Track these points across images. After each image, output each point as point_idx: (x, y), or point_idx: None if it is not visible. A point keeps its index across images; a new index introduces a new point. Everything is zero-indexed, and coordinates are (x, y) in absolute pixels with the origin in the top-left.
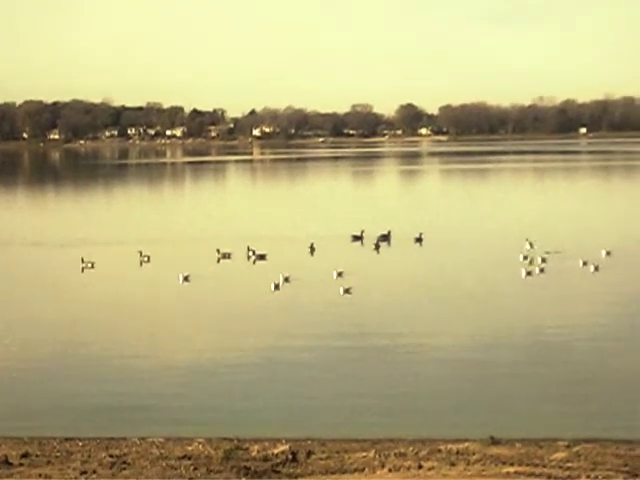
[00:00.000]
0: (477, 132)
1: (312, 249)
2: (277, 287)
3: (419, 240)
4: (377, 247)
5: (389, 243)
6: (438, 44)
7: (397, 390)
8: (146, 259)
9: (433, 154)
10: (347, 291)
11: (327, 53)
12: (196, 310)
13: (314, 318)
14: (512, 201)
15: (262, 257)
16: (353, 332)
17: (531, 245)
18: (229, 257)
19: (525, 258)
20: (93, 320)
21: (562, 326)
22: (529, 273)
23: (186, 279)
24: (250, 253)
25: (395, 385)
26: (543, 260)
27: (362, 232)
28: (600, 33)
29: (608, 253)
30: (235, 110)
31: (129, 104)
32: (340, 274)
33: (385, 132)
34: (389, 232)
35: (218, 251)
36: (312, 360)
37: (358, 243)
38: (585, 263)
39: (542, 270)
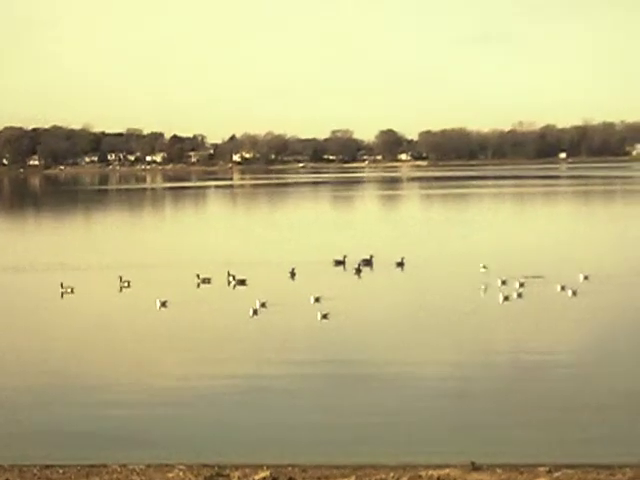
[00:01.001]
0: (457, 157)
1: (293, 274)
2: (255, 312)
3: (400, 265)
4: (358, 272)
5: (372, 268)
6: (418, 70)
7: (377, 417)
8: (126, 284)
9: (413, 179)
10: (325, 316)
11: (307, 79)
12: (173, 337)
13: (292, 344)
14: (492, 226)
15: (242, 282)
16: (331, 359)
17: (484, 267)
18: (209, 282)
19: (503, 283)
20: (72, 347)
21: (540, 352)
22: (507, 298)
23: (164, 305)
24: (230, 278)
25: (375, 412)
26: (521, 285)
27: (344, 257)
28: (580, 59)
29: (586, 277)
30: (215, 136)
31: (109, 130)
32: (317, 299)
33: (365, 157)
34: (371, 257)
35: (198, 276)
36: (291, 387)
37: (340, 268)
38: (563, 288)
39: (520, 295)
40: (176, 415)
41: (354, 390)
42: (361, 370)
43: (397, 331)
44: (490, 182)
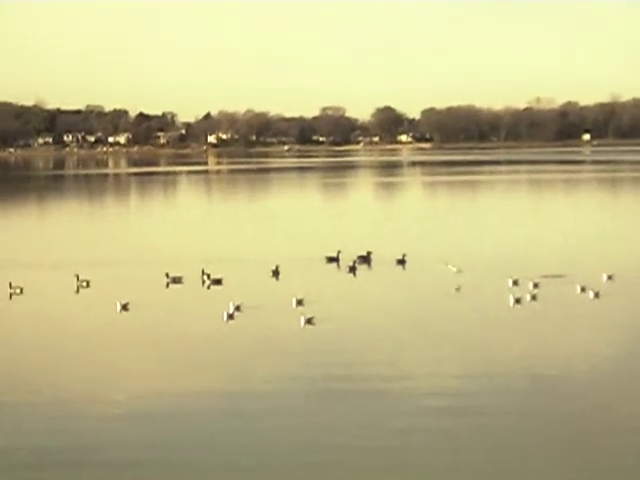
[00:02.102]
0: (465, 139)
1: (276, 273)
2: (231, 317)
3: (402, 262)
4: (353, 270)
5: (370, 265)
6: (420, 39)
7: (368, 442)
8: (84, 284)
9: (415, 164)
10: (309, 321)
11: (293, 49)
12: (132, 344)
13: (269, 354)
14: (505, 218)
15: (218, 282)
16: (316, 373)
17: (455, 268)
18: (180, 282)
19: (515, 284)
20: (18, 355)
21: (557, 365)
22: (518, 301)
23: (125, 308)
24: (204, 277)
25: (366, 436)
26: (535, 286)
27: (338, 253)
28: (607, 27)
29: (610, 277)
30: (187, 114)
31: (65, 107)
32: (300, 302)
33: (360, 139)
34: (369, 253)
35: (167, 275)
36: (267, 406)
37: (333, 265)
38: (583, 289)
39: (534, 297)
40: (135, 438)
41: (343, 412)
42: (350, 386)
43: (394, 339)
44: (503, 167)
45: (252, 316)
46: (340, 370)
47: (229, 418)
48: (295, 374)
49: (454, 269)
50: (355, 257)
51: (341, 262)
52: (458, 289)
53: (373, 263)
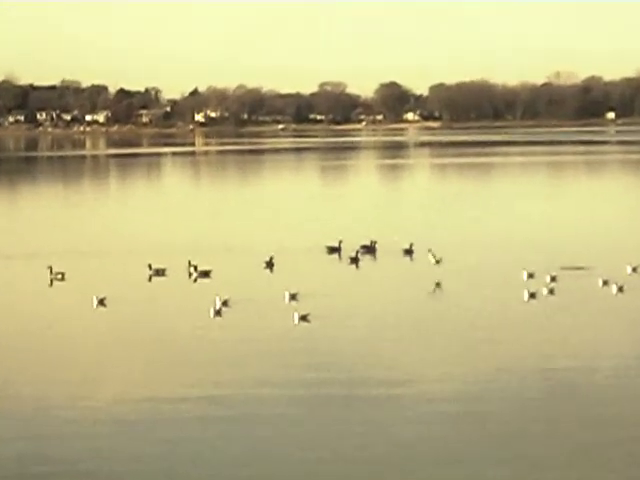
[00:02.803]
0: (477, 118)
1: (270, 264)
2: (218, 313)
3: (409, 252)
4: (355, 261)
5: (374, 256)
6: (427, 7)
7: (367, 453)
8: (59, 277)
9: (423, 144)
10: (304, 318)
11: (289, 19)
12: (110, 345)
13: (258, 355)
14: (520, 204)
15: (206, 274)
16: (309, 376)
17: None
18: (163, 274)
19: (530, 276)
20: None
21: (575, 366)
22: (533, 295)
23: (102, 303)
24: (191, 269)
25: (365, 446)
26: (553, 279)
27: (340, 242)
28: None
29: (634, 270)
30: (173, 90)
31: (39, 82)
32: (294, 296)
33: (362, 117)
34: (373, 243)
35: (150, 267)
36: (255, 412)
37: (334, 256)
38: (606, 282)
39: (551, 291)
40: (112, 443)
41: (339, 421)
42: (348, 393)
43: (398, 338)
44: (519, 149)
45: (241, 312)
46: (336, 373)
47: (215, 425)
48: (285, 377)
49: (433, 260)
50: (358, 247)
51: (343, 252)
52: (469, 284)
53: (378, 253)
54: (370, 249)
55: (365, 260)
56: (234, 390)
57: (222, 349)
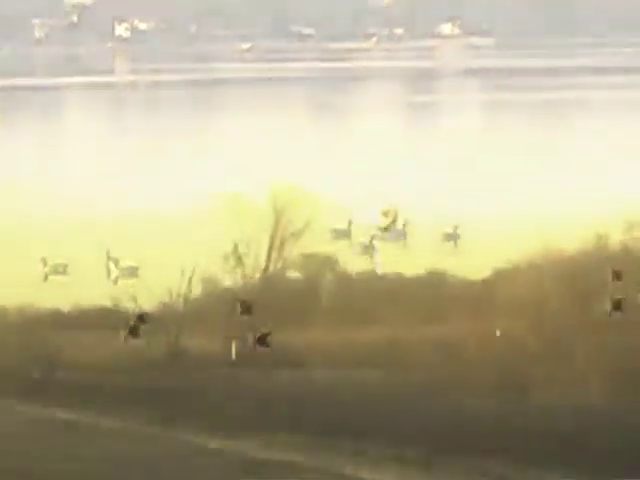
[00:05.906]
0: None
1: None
2: (133, 333)
3: (452, 237)
4: (370, 249)
5: (404, 238)
6: None
7: None
8: None
9: (465, 73)
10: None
11: None
12: None
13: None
14: (609, 167)
15: (131, 272)
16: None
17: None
18: (64, 272)
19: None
20: None
21: None
22: (618, 306)
23: None
24: (111, 264)
25: None
26: None
27: (349, 223)
28: None
29: None
30: None
31: None
32: (248, 309)
33: (372, 32)
34: (395, 220)
35: (45, 262)
36: None
37: (343, 242)
38: None
39: None
40: None
41: None
42: None
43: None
44: (608, 79)
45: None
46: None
47: None
48: None
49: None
50: (375, 229)
51: (353, 237)
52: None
53: (408, 237)
54: (394, 230)
55: (385, 247)
56: None
57: None
